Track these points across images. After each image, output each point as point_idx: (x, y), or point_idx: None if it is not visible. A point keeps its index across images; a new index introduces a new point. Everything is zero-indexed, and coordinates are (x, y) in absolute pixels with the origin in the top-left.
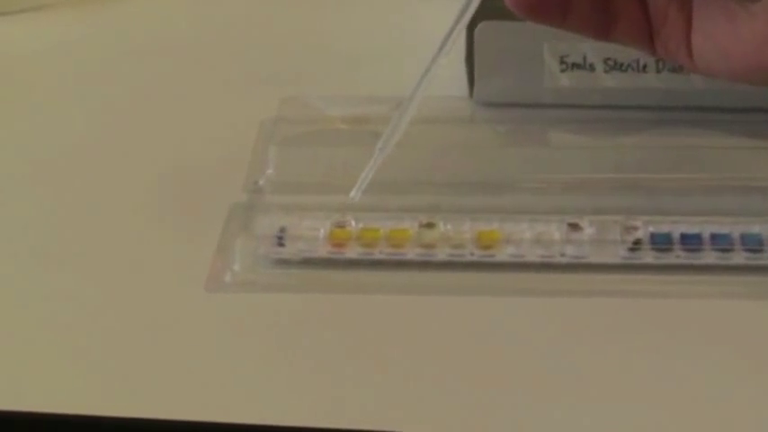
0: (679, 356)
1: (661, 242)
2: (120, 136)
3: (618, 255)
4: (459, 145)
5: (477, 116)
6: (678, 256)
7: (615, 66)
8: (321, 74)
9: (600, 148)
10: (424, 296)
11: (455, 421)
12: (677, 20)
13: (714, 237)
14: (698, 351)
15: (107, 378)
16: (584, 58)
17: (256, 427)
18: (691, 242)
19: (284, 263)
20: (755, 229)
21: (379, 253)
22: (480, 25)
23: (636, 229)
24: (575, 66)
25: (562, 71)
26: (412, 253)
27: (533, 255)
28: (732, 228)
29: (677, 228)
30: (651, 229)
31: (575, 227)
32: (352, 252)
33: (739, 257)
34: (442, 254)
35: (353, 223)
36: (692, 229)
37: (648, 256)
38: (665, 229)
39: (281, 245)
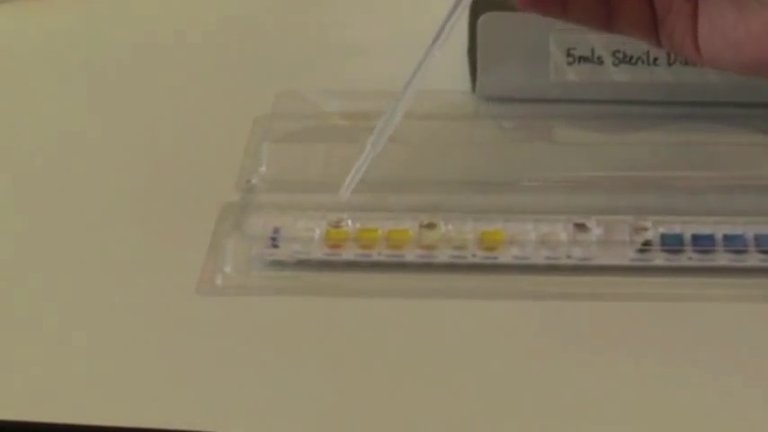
0: (690, 363)
1: (672, 243)
2: (108, 132)
3: (627, 256)
4: (461, 142)
5: (479, 111)
6: (689, 257)
7: (624, 59)
8: (318, 67)
9: (608, 145)
10: (424, 300)
11: (457, 426)
12: (683, 9)
13: (727, 238)
14: (710, 357)
15: (94, 385)
16: (592, 51)
17: None
18: (703, 243)
19: (278, 265)
20: None
21: (378, 254)
22: (483, 16)
23: (645, 229)
24: (582, 59)
25: (569, 64)
26: (412, 254)
27: (538, 256)
28: (746, 228)
29: (689, 228)
30: (661, 229)
31: (581, 227)
32: (350, 253)
33: (753, 259)
34: (443, 255)
35: (350, 223)
36: (704, 230)
37: (659, 258)
38: (675, 229)
39: (275, 246)
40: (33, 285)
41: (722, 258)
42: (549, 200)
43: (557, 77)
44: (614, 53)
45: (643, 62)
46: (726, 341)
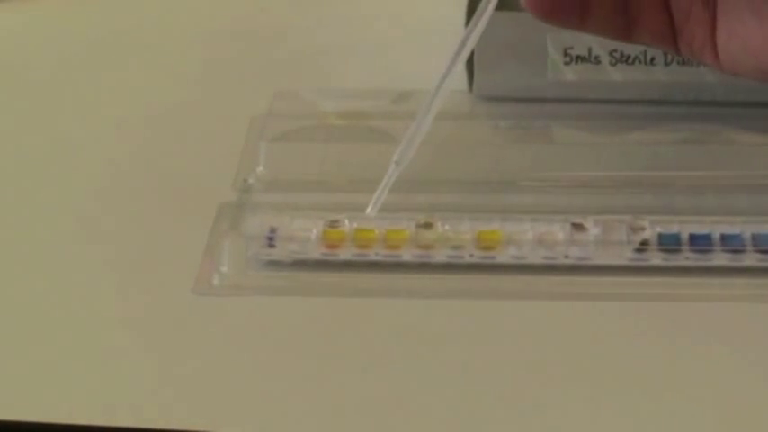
0: (688, 363)
1: (669, 243)
2: (104, 131)
3: (624, 256)
4: (458, 141)
5: (476, 111)
6: (687, 257)
7: (621, 58)
8: (315, 67)
9: (605, 145)
10: (421, 300)
11: (456, 426)
12: (701, 17)
13: (724, 237)
14: (708, 357)
15: (90, 385)
16: (590, 51)
17: None
18: (700, 243)
19: (275, 265)
20: None
21: (375, 254)
22: None
23: (643, 229)
24: (579, 58)
25: (566, 64)
26: (409, 254)
27: (536, 256)
28: (743, 228)
29: (686, 228)
30: (659, 229)
31: (579, 227)
32: (346, 253)
33: (751, 259)
34: (440, 255)
35: (347, 223)
36: (701, 230)
37: (656, 258)
38: (673, 229)
39: (272, 246)
40: (29, 285)
41: (719, 258)
42: (546, 200)
43: (554, 77)
44: (611, 53)
45: (640, 62)
46: (724, 341)
